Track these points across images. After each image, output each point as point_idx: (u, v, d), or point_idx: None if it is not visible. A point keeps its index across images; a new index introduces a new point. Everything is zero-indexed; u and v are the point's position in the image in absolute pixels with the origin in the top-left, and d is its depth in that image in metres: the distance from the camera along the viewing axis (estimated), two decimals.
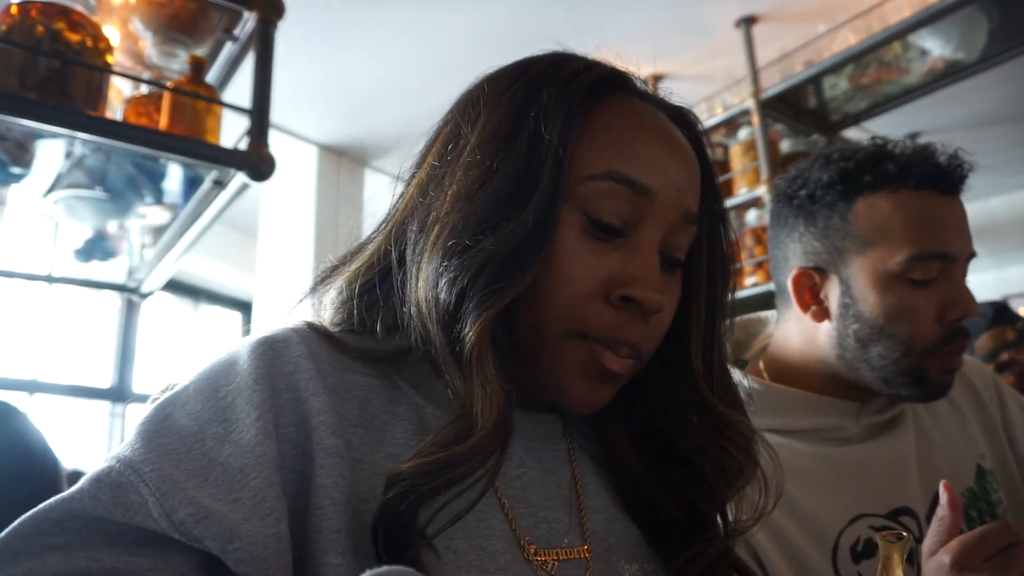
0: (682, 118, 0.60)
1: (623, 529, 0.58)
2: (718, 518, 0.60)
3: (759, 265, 2.42)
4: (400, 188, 0.60)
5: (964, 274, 0.90)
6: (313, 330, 0.54)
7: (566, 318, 0.52)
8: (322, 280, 0.60)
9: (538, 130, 0.52)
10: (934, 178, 0.87)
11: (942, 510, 0.68)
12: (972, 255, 0.89)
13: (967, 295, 0.87)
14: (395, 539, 0.43)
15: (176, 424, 0.45)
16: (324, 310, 0.59)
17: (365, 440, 0.49)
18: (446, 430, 0.47)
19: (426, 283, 0.51)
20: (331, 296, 0.59)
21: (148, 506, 0.40)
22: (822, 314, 0.92)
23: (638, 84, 0.60)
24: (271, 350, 0.49)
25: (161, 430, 0.45)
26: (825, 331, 0.91)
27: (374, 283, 0.56)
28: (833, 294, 0.90)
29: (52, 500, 0.42)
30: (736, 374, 0.90)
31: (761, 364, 0.98)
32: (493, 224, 0.50)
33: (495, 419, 0.46)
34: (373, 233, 0.61)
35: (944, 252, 0.86)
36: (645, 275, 0.52)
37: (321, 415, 0.47)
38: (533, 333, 0.52)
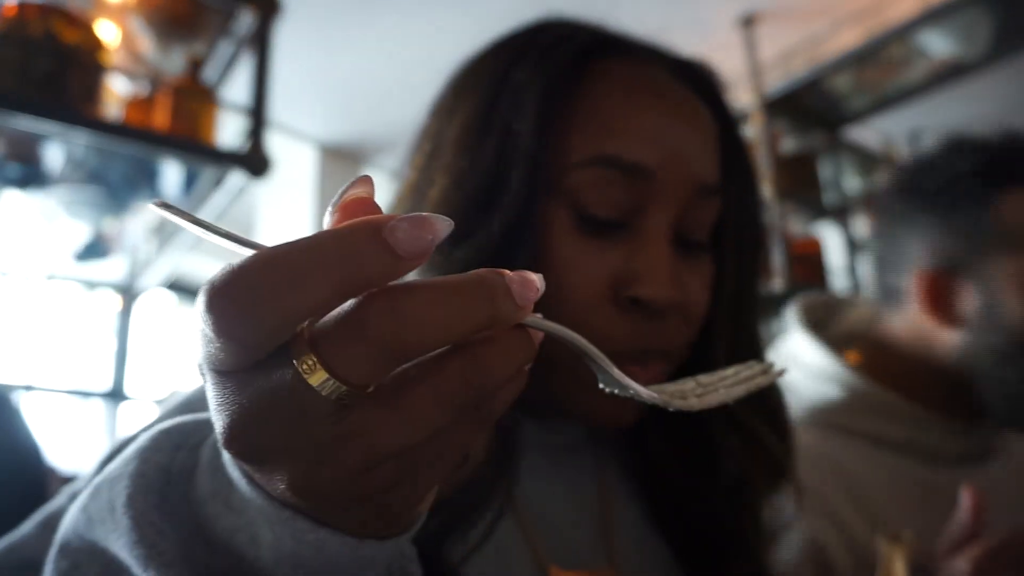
0: (691, 73, 0.51)
1: (652, 547, 0.53)
2: (754, 529, 0.54)
3: None
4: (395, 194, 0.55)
5: None
6: None
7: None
8: None
9: (509, 121, 0.46)
10: None
11: (962, 514, 0.65)
12: None
13: None
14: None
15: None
16: None
17: None
18: None
19: None
20: None
21: None
22: (949, 320, 0.79)
23: (630, 42, 0.52)
24: None
25: None
26: (948, 339, 0.80)
27: None
28: (967, 299, 0.78)
29: None
30: (832, 362, 0.82)
31: (853, 354, 0.87)
32: (466, 232, 0.45)
33: (485, 448, 0.42)
34: None
35: None
36: (652, 270, 0.45)
37: None
38: (543, 354, 0.47)
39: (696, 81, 0.52)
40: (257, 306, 0.20)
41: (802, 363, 0.85)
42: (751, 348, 0.53)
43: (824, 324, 0.91)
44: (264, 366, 0.22)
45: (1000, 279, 0.76)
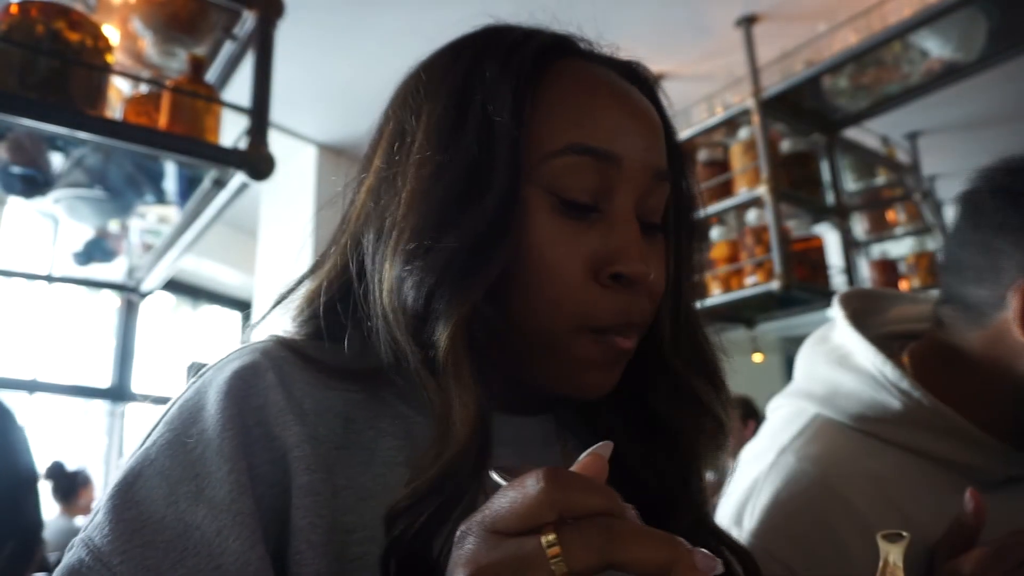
0: (633, 74, 0.57)
1: None
2: (697, 484, 0.58)
3: (759, 265, 2.42)
4: (350, 196, 0.57)
5: None
6: (284, 348, 0.51)
7: (569, 312, 0.49)
8: (275, 305, 0.57)
9: (486, 113, 0.49)
10: None
11: (965, 516, 0.65)
12: None
13: None
14: (409, 572, 0.41)
15: (145, 487, 0.43)
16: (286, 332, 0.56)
17: (349, 463, 0.47)
18: (430, 450, 0.44)
19: (390, 291, 0.48)
20: (288, 321, 0.55)
21: None
22: None
23: (583, 46, 0.57)
24: (239, 382, 0.46)
25: (130, 500, 0.42)
26: None
27: (335, 301, 0.53)
28: None
29: None
30: (892, 370, 0.78)
31: (905, 358, 0.83)
32: (452, 219, 0.47)
33: (470, 430, 0.44)
34: (328, 248, 0.57)
35: None
36: (628, 247, 0.50)
37: (295, 450, 0.45)
38: (535, 333, 0.50)
39: (638, 80, 0.57)
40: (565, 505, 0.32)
41: (855, 365, 0.81)
42: (690, 324, 0.58)
43: (868, 321, 0.87)
44: (519, 537, 0.33)
45: None
